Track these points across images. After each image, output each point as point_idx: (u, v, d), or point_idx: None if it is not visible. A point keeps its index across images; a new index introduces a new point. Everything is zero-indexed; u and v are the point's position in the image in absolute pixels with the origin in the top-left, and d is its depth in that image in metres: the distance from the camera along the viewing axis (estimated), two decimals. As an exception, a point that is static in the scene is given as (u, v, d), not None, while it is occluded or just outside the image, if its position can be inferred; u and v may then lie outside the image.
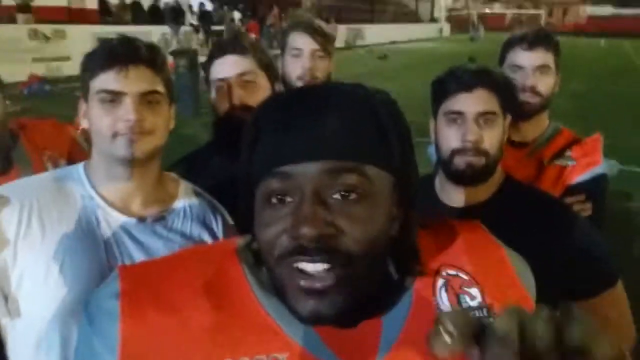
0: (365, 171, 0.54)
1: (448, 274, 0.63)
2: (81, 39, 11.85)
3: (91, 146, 1.07)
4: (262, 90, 1.35)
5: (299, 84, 1.62)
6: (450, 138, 1.17)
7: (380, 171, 0.56)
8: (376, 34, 25.70)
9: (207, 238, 1.11)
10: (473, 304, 0.61)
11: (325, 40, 1.65)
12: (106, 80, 0.98)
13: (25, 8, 12.21)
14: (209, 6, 18.56)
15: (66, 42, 12.26)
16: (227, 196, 1.17)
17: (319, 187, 0.53)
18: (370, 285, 0.56)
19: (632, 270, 1.48)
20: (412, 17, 37.13)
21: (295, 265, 0.53)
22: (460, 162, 1.15)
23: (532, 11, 49.18)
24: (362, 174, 0.54)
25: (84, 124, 1.05)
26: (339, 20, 20.35)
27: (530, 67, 1.58)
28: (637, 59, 19.60)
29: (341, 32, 20.20)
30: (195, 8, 18.08)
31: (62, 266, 0.95)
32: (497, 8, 53.67)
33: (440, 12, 41.20)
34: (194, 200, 1.14)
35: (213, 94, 1.38)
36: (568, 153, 1.61)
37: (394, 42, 26.03)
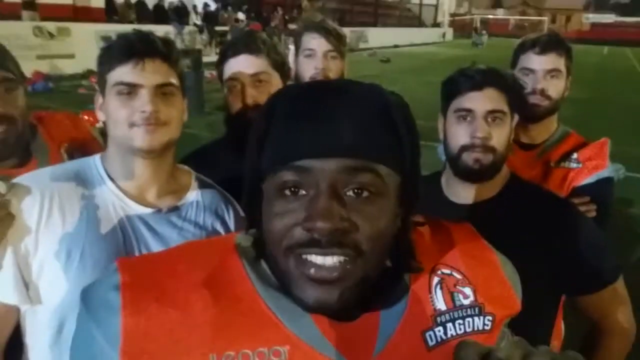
0: (379, 171, 0.56)
1: (443, 273, 0.65)
2: (85, 37, 11.90)
3: (106, 138, 1.10)
4: (274, 90, 1.36)
5: None
6: (460, 135, 1.19)
7: (390, 171, 0.57)
8: (379, 37, 25.73)
9: (220, 228, 1.13)
10: (466, 302, 0.63)
11: (338, 41, 1.67)
12: (123, 73, 1.00)
13: (30, 5, 12.25)
14: (213, 7, 18.60)
15: (70, 39, 12.29)
16: (236, 191, 1.19)
17: (335, 183, 0.54)
18: (373, 280, 0.58)
19: (632, 275, 1.50)
20: (416, 21, 37.18)
21: (304, 256, 0.54)
22: (468, 158, 1.18)
23: (535, 18, 49.26)
24: (376, 174, 0.56)
25: (100, 116, 1.07)
26: (342, 23, 20.39)
27: (542, 71, 1.60)
28: (639, 67, 19.61)
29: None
30: (200, 8, 18.13)
31: (82, 254, 0.97)
32: (500, 14, 53.80)
33: (444, 17, 41.29)
34: (207, 192, 1.16)
35: (226, 92, 1.39)
36: (575, 156, 1.63)
37: (397, 46, 26.09)
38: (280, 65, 1.39)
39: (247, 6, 20.17)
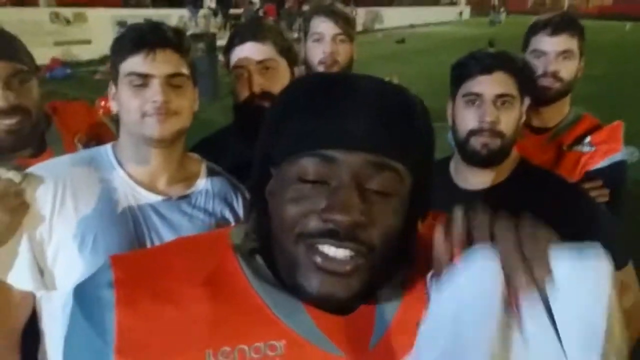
0: (399, 169, 0.56)
1: None
2: (101, 23, 11.95)
3: (119, 127, 1.12)
4: (282, 76, 1.37)
5: (320, 68, 1.63)
6: (468, 119, 1.19)
7: (407, 172, 0.57)
8: (395, 17, 25.33)
9: (229, 215, 1.15)
10: None
11: (347, 25, 1.65)
12: (135, 63, 1.02)
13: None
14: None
15: (87, 25, 12.36)
16: (245, 178, 1.20)
17: (359, 177, 0.54)
18: (380, 277, 0.58)
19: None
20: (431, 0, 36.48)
21: (316, 246, 0.54)
22: (476, 143, 1.18)
23: (555, -6, 47.92)
24: (396, 172, 0.56)
25: (113, 106, 1.09)
26: (357, 4, 20.13)
27: (553, 53, 1.57)
28: (663, 43, 19.02)
29: (359, 16, 19.98)
30: (214, -9, 18.03)
31: (94, 241, 1.00)
32: (519, -9, 52.36)
33: (461, -5, 40.43)
34: (216, 179, 1.18)
35: (233, 80, 1.40)
36: (587, 139, 1.60)
37: (412, 26, 25.66)
38: (287, 52, 1.39)
39: (261, -12, 20.00)
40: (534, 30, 1.63)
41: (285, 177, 0.57)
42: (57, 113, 1.40)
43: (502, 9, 33.33)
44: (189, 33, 10.45)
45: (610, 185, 1.51)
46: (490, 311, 0.41)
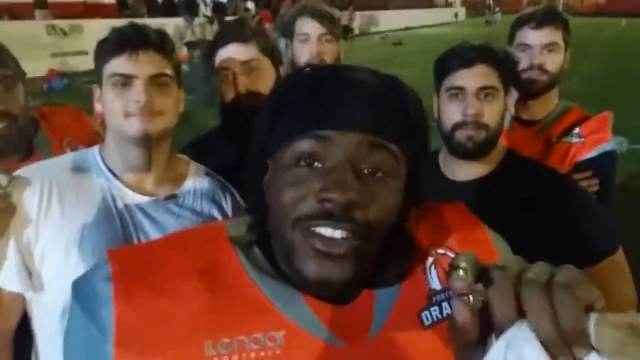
0: (394, 151, 0.57)
1: (437, 253, 0.65)
2: (97, 34, 11.89)
3: (105, 130, 1.12)
4: (267, 76, 1.38)
5: None
6: (452, 113, 1.19)
7: (401, 153, 0.58)
8: (390, 20, 25.38)
9: (217, 214, 1.16)
10: None
11: (332, 24, 1.66)
12: (118, 64, 1.03)
13: (42, 4, 12.38)
14: (222, -3, 18.55)
15: (83, 36, 12.40)
16: (233, 178, 1.21)
17: (354, 157, 0.55)
18: (374, 260, 0.58)
19: (637, 248, 1.49)
20: (427, 2, 36.56)
21: (313, 229, 0.54)
22: (461, 135, 1.18)
23: (550, -8, 48.01)
24: (392, 153, 0.57)
25: (98, 108, 1.10)
26: (354, 8, 20.19)
27: (538, 46, 1.59)
28: (659, 39, 19.06)
29: (355, 20, 20.03)
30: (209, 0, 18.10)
31: (81, 242, 1.00)
32: (514, -10, 52.51)
33: (456, -4, 40.55)
34: (204, 179, 1.19)
35: (218, 82, 1.41)
36: (576, 130, 1.61)
37: (408, 28, 25.72)
38: (271, 52, 1.40)
39: (256, -5, 20.08)
40: (519, 24, 1.64)
41: (281, 163, 0.58)
42: (45, 118, 1.41)
43: (496, 9, 33.43)
44: (185, 41, 10.50)
45: (599, 175, 1.51)
46: None
